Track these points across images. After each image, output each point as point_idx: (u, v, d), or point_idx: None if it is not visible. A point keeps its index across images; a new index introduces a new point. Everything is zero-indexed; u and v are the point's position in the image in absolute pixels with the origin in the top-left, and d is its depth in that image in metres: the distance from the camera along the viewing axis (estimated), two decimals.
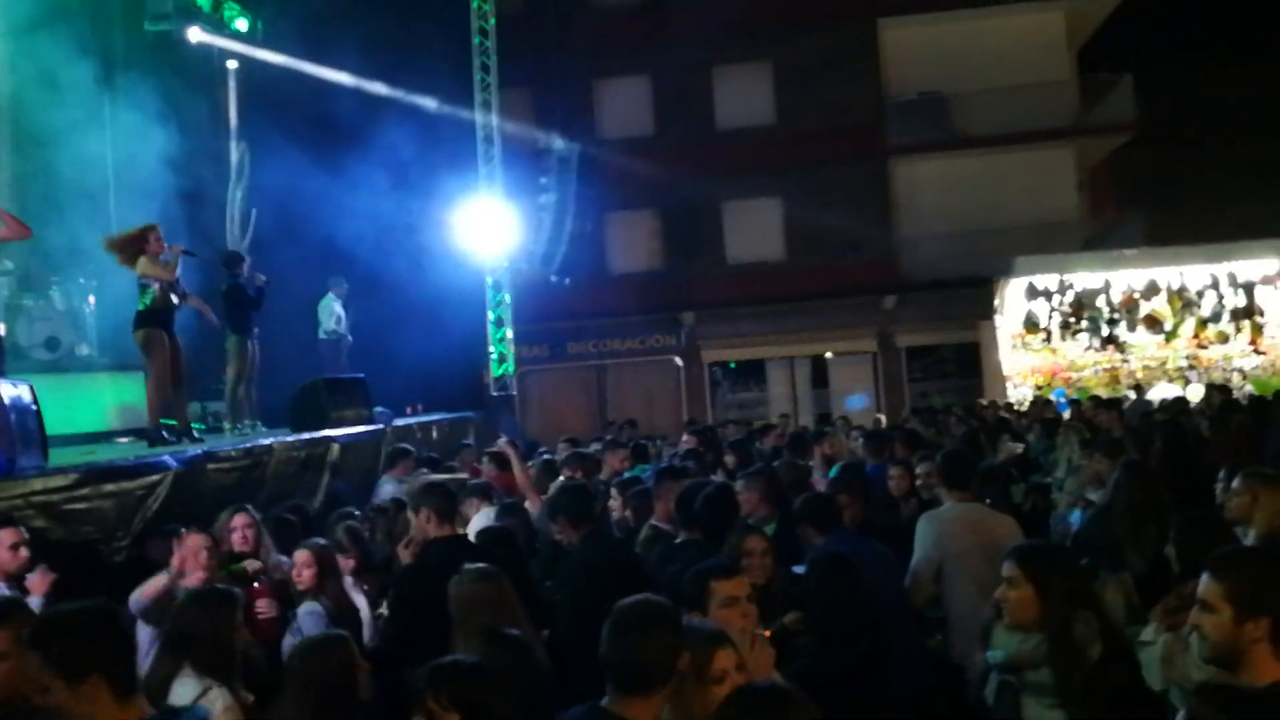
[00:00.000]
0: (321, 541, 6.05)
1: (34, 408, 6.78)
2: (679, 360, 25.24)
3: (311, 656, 3.88)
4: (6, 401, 6.41)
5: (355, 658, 3.90)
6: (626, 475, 8.13)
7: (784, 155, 23.85)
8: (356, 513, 7.41)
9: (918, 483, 7.25)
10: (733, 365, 25.84)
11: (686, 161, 23.91)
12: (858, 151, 23.92)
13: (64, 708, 3.07)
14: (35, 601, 5.34)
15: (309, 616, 5.47)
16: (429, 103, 17.49)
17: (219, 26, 15.88)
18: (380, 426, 12.08)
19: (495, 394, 18.80)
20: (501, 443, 9.95)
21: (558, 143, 19.13)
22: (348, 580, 6.12)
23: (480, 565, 4.67)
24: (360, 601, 5.90)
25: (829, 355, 25.12)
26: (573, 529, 5.67)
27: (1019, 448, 10.81)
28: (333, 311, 14.66)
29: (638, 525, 6.54)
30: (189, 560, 5.38)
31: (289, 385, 12.13)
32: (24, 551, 5.49)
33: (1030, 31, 24.29)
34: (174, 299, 9.82)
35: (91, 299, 13.04)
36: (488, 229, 18.25)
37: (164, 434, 9.79)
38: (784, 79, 24.47)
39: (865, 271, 23.69)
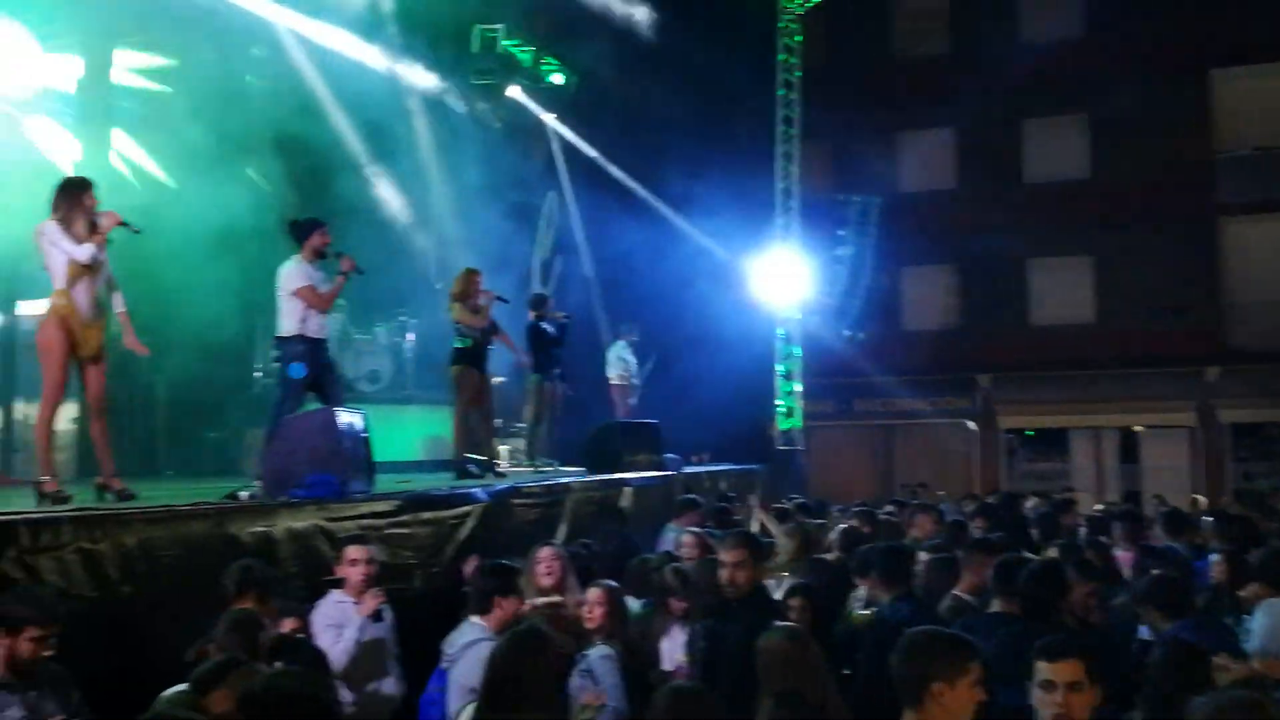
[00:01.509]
0: (613, 583, 6.05)
1: (365, 435, 7.17)
2: (972, 424, 24.20)
3: (683, 705, 3.84)
4: (343, 428, 6.81)
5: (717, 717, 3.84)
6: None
7: (1098, 212, 22.53)
8: (650, 557, 7.36)
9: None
10: (1029, 433, 24.51)
11: (990, 216, 23.03)
12: (1182, 210, 22.26)
13: None
14: (357, 622, 5.57)
15: (601, 661, 5.44)
16: (731, 153, 17.68)
17: (537, 81, 16.68)
18: (670, 473, 12.13)
19: (781, 448, 18.60)
20: (755, 503, 9.84)
21: (857, 195, 18.90)
22: (674, 623, 6.08)
23: (788, 625, 4.54)
24: (679, 642, 5.84)
25: (1139, 429, 23.39)
26: (885, 589, 5.42)
27: None
28: (621, 357, 14.85)
29: (938, 593, 6.19)
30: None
31: (585, 427, 12.41)
32: (366, 569, 5.72)
33: None
34: (489, 342, 10.30)
35: (410, 336, 13.87)
36: (782, 280, 18.19)
37: (470, 467, 10.20)
38: (1101, 132, 23.15)
39: (1186, 340, 21.91)
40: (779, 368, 19.00)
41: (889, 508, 10.63)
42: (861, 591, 6.57)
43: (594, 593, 5.80)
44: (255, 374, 12.90)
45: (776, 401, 18.94)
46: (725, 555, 5.12)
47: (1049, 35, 23.14)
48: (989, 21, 23.91)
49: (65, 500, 6.16)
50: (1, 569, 4.61)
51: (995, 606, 5.41)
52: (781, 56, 19.15)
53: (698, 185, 16.83)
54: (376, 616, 5.65)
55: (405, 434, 13.10)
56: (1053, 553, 7.09)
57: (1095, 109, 23.14)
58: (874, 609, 5.95)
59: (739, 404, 17.41)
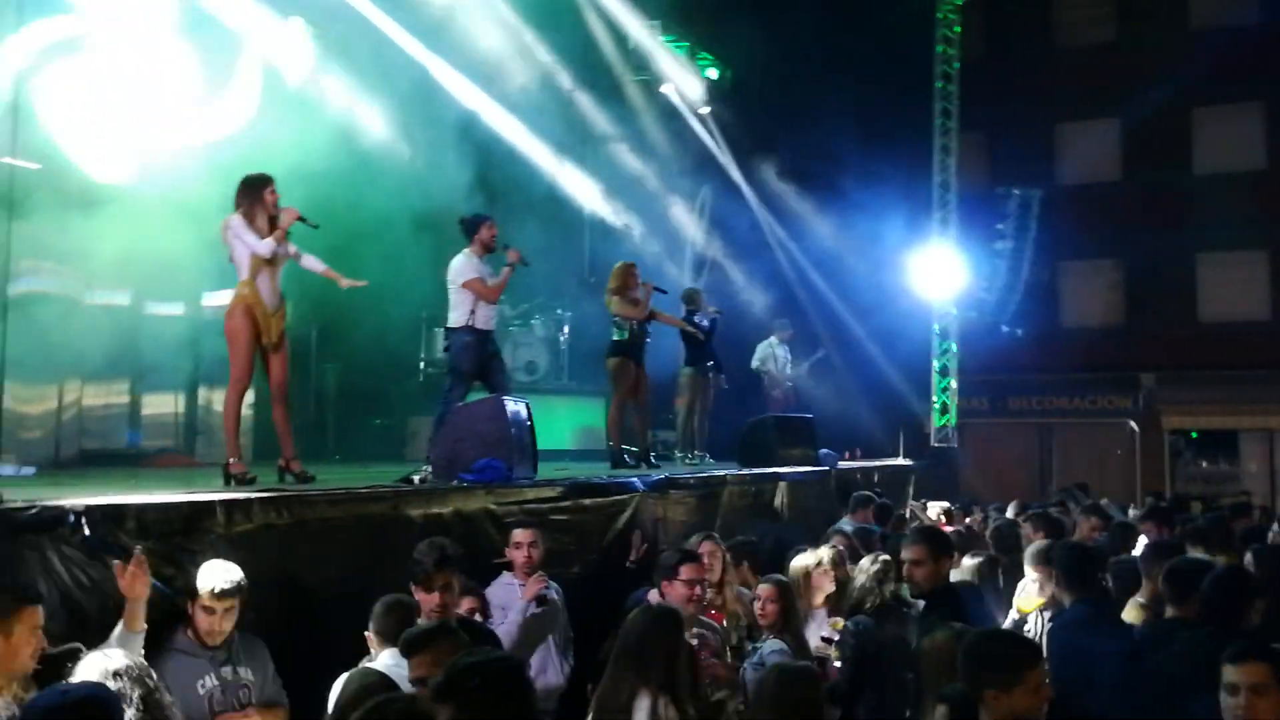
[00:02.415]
0: (784, 578, 6.07)
1: (529, 423, 7.35)
2: (1133, 425, 23.29)
3: (789, 684, 3.95)
4: (510, 415, 7.00)
5: (822, 696, 3.99)
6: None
7: (1274, 204, 21.43)
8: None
9: None
10: (1194, 435, 23.46)
11: (1156, 210, 22.12)
12: None
13: None
14: (520, 605, 5.70)
15: (773, 655, 5.47)
16: (888, 146, 17.45)
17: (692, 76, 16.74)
18: (825, 468, 12.04)
19: (936, 445, 18.27)
20: (917, 506, 9.69)
21: (1017, 188, 18.41)
22: (820, 612, 6.08)
23: (953, 625, 4.48)
24: (824, 633, 5.83)
25: None
26: (1067, 591, 5.28)
27: None
28: (772, 352, 14.76)
29: (1119, 599, 6.02)
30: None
31: (738, 421, 12.42)
32: (531, 552, 5.90)
33: None
34: (646, 333, 10.41)
35: (565, 329, 14.12)
36: (939, 275, 17.87)
37: (625, 458, 10.33)
38: (1276, 122, 22.01)
39: None
40: (935, 363, 18.67)
41: (1052, 508, 10.36)
42: (1027, 584, 6.45)
43: (765, 588, 5.82)
44: (420, 364, 13.34)
45: (932, 398, 18.63)
46: (905, 552, 5.10)
47: (1221, 22, 22.02)
48: (1157, 8, 22.94)
49: (251, 482, 6.48)
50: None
51: (1169, 612, 5.26)
52: (940, 48, 18.79)
53: (854, 178, 16.65)
54: (541, 600, 5.78)
55: (560, 423, 13.35)
56: (1246, 559, 6.82)
57: (1271, 97, 21.99)
58: (1045, 603, 5.87)
59: (894, 400, 17.20)
